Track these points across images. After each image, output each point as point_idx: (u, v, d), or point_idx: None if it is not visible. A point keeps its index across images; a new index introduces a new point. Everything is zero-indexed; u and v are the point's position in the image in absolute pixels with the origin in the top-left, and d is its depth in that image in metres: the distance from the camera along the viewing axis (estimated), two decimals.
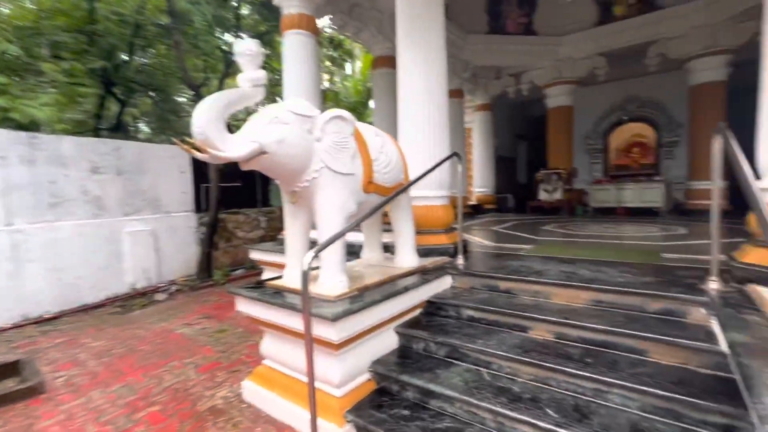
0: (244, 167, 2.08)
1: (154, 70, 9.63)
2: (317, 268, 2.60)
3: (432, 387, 2.09)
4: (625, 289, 2.36)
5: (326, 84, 12.34)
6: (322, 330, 2.04)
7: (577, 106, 9.03)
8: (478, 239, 4.82)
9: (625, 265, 2.95)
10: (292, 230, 2.53)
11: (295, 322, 2.20)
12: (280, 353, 2.51)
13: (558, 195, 8.69)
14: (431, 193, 3.54)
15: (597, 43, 7.90)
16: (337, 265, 2.34)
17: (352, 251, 3.61)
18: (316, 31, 4.85)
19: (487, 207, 9.83)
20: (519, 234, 5.27)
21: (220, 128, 1.92)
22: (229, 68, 8.19)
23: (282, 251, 4.50)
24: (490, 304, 2.59)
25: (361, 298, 2.30)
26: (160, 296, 5.68)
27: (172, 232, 6.51)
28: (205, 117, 1.85)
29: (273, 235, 7.76)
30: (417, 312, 2.79)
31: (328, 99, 10.49)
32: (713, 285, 2.22)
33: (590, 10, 7.82)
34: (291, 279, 2.54)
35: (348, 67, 10.94)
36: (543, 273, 2.80)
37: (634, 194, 8.02)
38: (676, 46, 7.23)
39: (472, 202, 10.00)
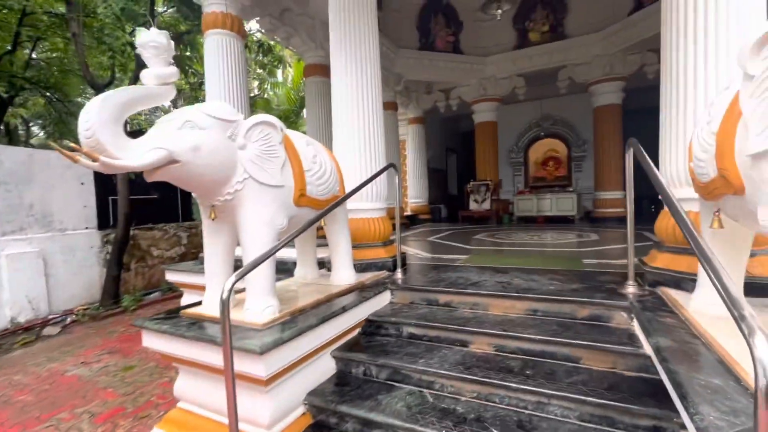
0: (151, 178, 1.76)
1: (48, 66, 8.34)
2: (243, 290, 2.32)
3: (373, 417, 1.92)
4: (556, 297, 2.45)
5: (256, 91, 11.78)
6: (248, 365, 1.78)
7: (500, 122, 9.66)
8: (416, 250, 4.81)
9: (553, 273, 3.09)
10: (213, 249, 2.22)
11: (217, 357, 1.90)
12: (199, 393, 2.17)
13: (486, 205, 9.16)
14: (368, 206, 3.42)
15: (516, 64, 8.56)
16: (265, 288, 2.09)
17: (285, 269, 3.35)
18: (242, 33, 4.53)
19: (422, 217, 10.03)
20: (454, 244, 5.38)
21: (116, 131, 1.60)
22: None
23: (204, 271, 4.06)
24: (431, 319, 2.52)
25: (294, 323, 2.07)
26: (50, 330, 4.78)
27: (69, 253, 5.58)
28: (95, 116, 1.53)
29: (196, 253, 7.06)
30: (355, 332, 2.62)
31: (258, 106, 9.98)
32: (631, 289, 2.39)
33: (510, 34, 8.46)
34: (212, 305, 2.22)
35: (280, 74, 10.55)
36: (480, 284, 2.82)
37: (551, 204, 8.74)
38: (581, 71, 8.09)
39: (408, 212, 10.14)
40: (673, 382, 1.36)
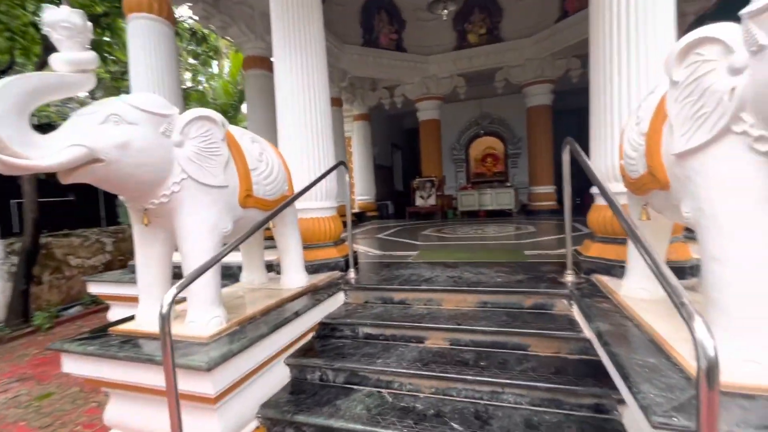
0: (67, 180, 1.52)
1: None
2: (184, 300, 2.12)
3: (332, 423, 1.86)
4: (504, 289, 2.56)
5: (189, 83, 10.91)
6: (193, 383, 1.63)
7: (443, 120, 9.96)
8: (366, 248, 4.78)
9: (499, 266, 3.24)
10: (146, 258, 2.00)
11: (158, 378, 1.71)
12: (136, 418, 1.95)
13: (432, 201, 9.40)
14: (318, 205, 3.32)
15: (456, 65, 8.85)
16: (210, 297, 1.93)
17: (229, 274, 3.15)
18: (171, 19, 4.14)
19: (370, 214, 10.04)
20: (403, 240, 5.44)
21: (21, 125, 1.36)
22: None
23: (135, 281, 3.68)
24: (387, 318, 2.51)
25: (243, 333, 1.94)
26: None
27: None
28: None
29: (125, 261, 6.40)
30: (309, 337, 2.53)
31: (192, 99, 9.25)
32: (569, 277, 2.57)
33: (450, 35, 8.71)
34: (147, 320, 2.00)
35: (215, 65, 9.84)
36: (432, 280, 2.86)
37: (491, 198, 9.21)
38: (516, 73, 8.59)
39: (355, 210, 10.08)
40: (615, 363, 1.48)
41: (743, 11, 1.09)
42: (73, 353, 1.88)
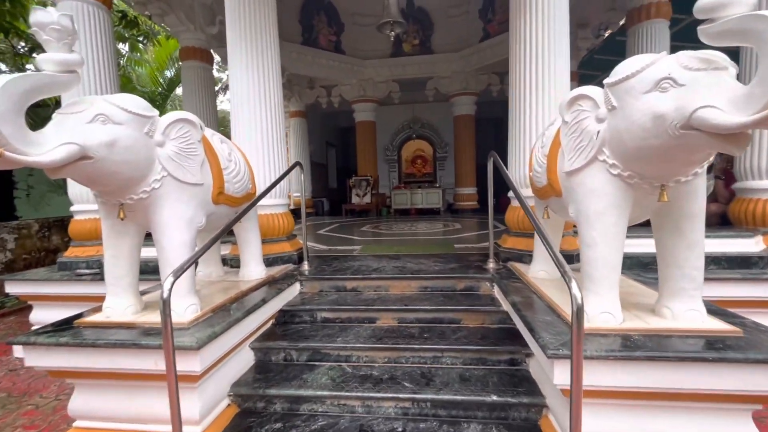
0: (55, 175, 1.60)
1: None
2: (147, 293, 2.23)
3: (302, 392, 2.16)
4: (440, 276, 3.06)
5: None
6: (183, 363, 1.80)
7: (378, 122, 10.44)
8: (311, 243, 5.02)
9: (436, 257, 3.76)
10: (117, 251, 2.08)
11: (140, 362, 1.84)
12: (107, 405, 2.02)
13: (368, 199, 9.84)
14: (273, 202, 3.51)
15: (391, 71, 9.39)
16: (186, 287, 2.08)
17: None
18: (107, 2, 3.93)
19: (307, 211, 10.13)
20: (345, 236, 5.77)
21: (19, 123, 1.43)
22: None
23: (71, 278, 3.50)
24: (342, 303, 2.84)
25: (220, 317, 2.13)
26: None
27: None
28: None
29: (29, 260, 5.73)
30: (269, 324, 2.76)
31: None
32: (491, 265, 3.16)
33: (386, 42, 9.18)
34: (118, 311, 2.08)
35: (144, 50, 9.00)
36: (380, 270, 3.26)
37: (422, 198, 9.95)
38: (444, 84, 9.40)
39: (291, 206, 10.10)
40: (525, 322, 2.01)
41: (605, 80, 1.65)
42: (40, 345, 1.90)
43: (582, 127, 1.75)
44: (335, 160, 14.22)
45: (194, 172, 2.08)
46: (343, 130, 14.41)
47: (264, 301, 2.52)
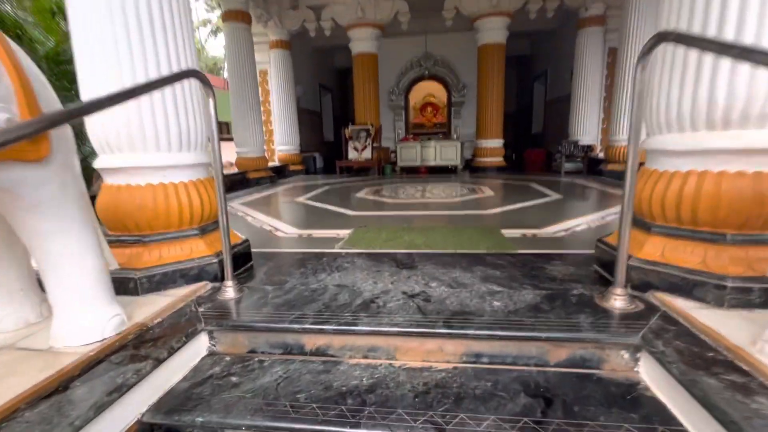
0: None
1: None
2: None
3: None
4: (507, 325, 1.37)
5: None
6: None
7: (382, 57, 8.31)
8: (277, 222, 3.32)
9: (481, 262, 2.05)
10: None
11: None
12: None
13: (367, 154, 7.99)
14: (157, 160, 1.76)
15: None
16: None
17: None
18: None
19: (293, 168, 8.37)
20: (331, 208, 4.05)
21: None
22: None
23: None
24: (288, 399, 1.19)
25: None
26: None
27: None
28: None
29: None
30: None
31: None
32: (618, 301, 1.45)
33: None
34: None
35: None
36: (378, 300, 1.58)
37: (435, 152, 8.07)
38: (468, 3, 7.18)
39: (274, 163, 8.31)
40: None
41: None
42: None
43: None
44: (331, 108, 12.12)
45: None
46: (340, 71, 12.17)
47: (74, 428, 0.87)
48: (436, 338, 1.37)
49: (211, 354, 1.49)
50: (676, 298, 1.45)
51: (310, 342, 1.44)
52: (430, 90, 10.91)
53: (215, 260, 1.83)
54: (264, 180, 6.65)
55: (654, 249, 1.56)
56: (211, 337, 1.50)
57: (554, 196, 4.38)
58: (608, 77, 7.19)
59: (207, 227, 1.94)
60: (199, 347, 1.47)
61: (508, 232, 2.68)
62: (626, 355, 1.29)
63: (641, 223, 1.69)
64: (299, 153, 8.68)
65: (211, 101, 1.57)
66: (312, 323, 1.43)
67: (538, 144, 10.31)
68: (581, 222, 2.95)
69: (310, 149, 9.66)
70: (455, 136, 8.81)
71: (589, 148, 6.94)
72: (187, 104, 1.82)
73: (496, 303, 1.53)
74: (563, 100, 8.24)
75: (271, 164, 7.85)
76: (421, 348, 1.39)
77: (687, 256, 1.47)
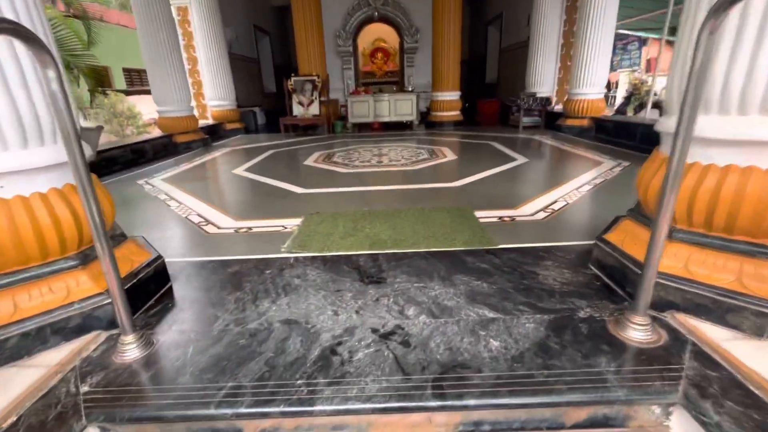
0: None
1: None
2: None
3: None
4: (521, 401, 1.04)
5: None
6: None
7: None
8: (206, 209, 2.72)
9: (459, 265, 1.71)
10: None
11: None
12: None
13: (315, 109, 7.20)
14: None
15: None
16: None
17: None
18: None
19: (231, 127, 7.39)
20: (276, 184, 3.48)
21: None
22: None
23: None
24: None
25: None
26: None
27: None
28: None
29: None
30: None
31: None
32: (637, 332, 1.18)
33: None
34: None
35: None
36: (340, 354, 1.18)
37: (389, 107, 7.46)
38: None
39: (207, 121, 7.27)
40: None
41: None
42: None
43: None
44: (270, 53, 10.75)
45: None
46: (278, 10, 10.69)
47: None
48: (421, 413, 1.02)
49: None
50: (702, 323, 1.21)
51: (251, 427, 1.04)
52: (380, 34, 9.96)
53: (104, 300, 1.31)
54: (195, 144, 5.75)
55: (675, 260, 1.29)
56: (112, 423, 1.04)
57: (519, 159, 4.12)
58: (567, 23, 6.82)
59: (92, 253, 1.37)
60: None
61: (482, 215, 2.36)
62: (657, 410, 1.04)
63: (650, 224, 1.39)
64: (236, 108, 7.64)
65: (51, 72, 0.97)
66: (251, 405, 1.01)
67: (491, 94, 9.98)
68: (557, 197, 2.70)
69: (249, 103, 8.57)
70: (410, 88, 8.20)
71: (547, 101, 6.72)
72: (25, 75, 1.17)
73: (494, 344, 1.20)
74: (519, 46, 7.83)
75: (203, 123, 6.83)
76: (404, 422, 1.04)
77: (717, 271, 1.21)
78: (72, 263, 1.31)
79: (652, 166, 1.41)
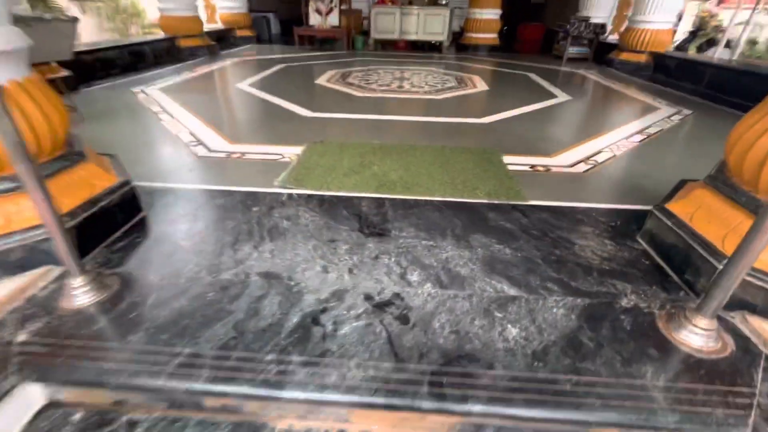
0: None
1: None
2: None
3: None
4: (540, 415, 0.84)
5: None
6: None
7: None
8: (200, 127, 2.43)
9: (479, 223, 1.44)
10: None
11: None
12: None
13: (333, 20, 6.41)
14: None
15: None
16: None
17: None
18: None
19: (242, 35, 6.73)
20: (281, 103, 3.11)
21: None
22: None
23: None
24: None
25: None
26: None
27: None
28: None
29: None
30: None
31: None
32: (697, 337, 0.93)
33: None
34: None
35: None
36: (323, 324, 0.98)
37: (418, 23, 6.58)
38: None
39: (216, 25, 6.60)
40: None
41: None
42: None
43: None
44: None
45: None
46: None
47: None
48: (417, 412, 0.83)
49: (53, 405, 0.91)
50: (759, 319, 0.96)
51: (212, 401, 0.88)
52: None
53: (71, 223, 1.11)
54: (201, 51, 5.23)
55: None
56: (46, 382, 0.89)
57: (560, 96, 3.58)
58: None
59: (46, 166, 1.14)
60: (27, 401, 0.87)
61: (511, 161, 2.02)
62: None
63: (742, 198, 1.07)
64: (248, 12, 6.88)
65: None
66: (207, 380, 0.84)
67: (536, 17, 8.74)
68: (602, 146, 2.30)
69: (262, 7, 7.70)
70: (444, 2, 7.18)
71: (602, 27, 5.78)
72: None
73: (512, 331, 0.97)
74: None
75: (211, 27, 6.19)
76: (390, 414, 0.86)
77: None
78: (8, 185, 1.08)
79: (758, 122, 1.04)
